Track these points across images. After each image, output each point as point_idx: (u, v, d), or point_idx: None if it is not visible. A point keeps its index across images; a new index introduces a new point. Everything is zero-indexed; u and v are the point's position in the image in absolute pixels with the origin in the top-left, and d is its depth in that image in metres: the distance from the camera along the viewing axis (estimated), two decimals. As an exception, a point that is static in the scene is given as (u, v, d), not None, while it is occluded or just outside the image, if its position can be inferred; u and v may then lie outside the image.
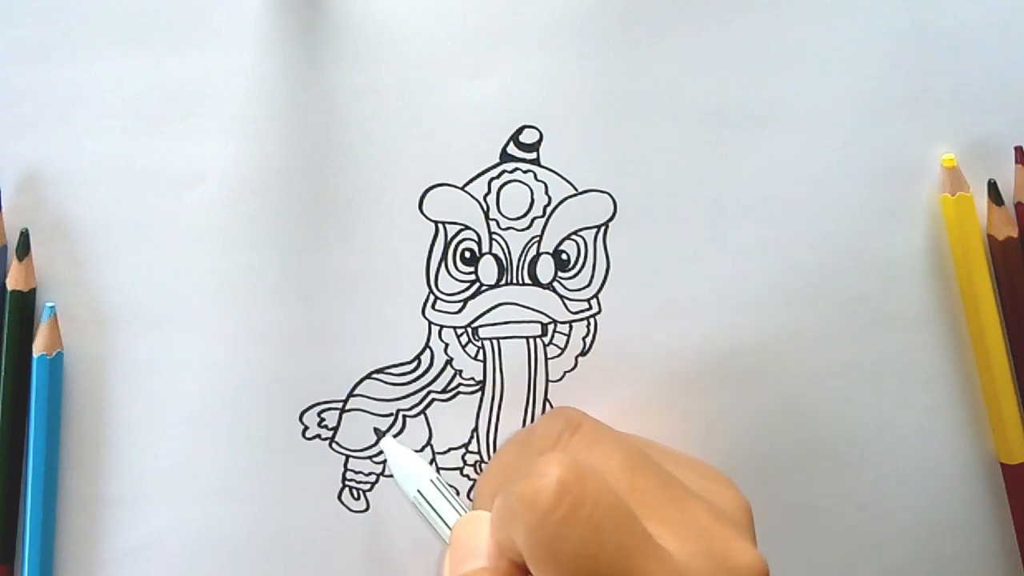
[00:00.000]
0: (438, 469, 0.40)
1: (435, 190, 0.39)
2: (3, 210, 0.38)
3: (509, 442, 0.38)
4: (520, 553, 0.30)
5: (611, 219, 0.40)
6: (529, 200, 0.40)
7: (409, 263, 0.39)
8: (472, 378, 0.40)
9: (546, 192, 0.39)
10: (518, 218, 0.40)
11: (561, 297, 0.40)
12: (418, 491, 0.35)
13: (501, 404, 0.40)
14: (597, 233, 0.40)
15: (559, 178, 0.39)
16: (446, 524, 0.34)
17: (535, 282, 0.40)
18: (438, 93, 0.39)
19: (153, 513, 0.39)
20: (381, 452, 0.40)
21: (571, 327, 0.40)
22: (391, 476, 0.38)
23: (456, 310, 0.40)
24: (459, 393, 0.40)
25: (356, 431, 0.39)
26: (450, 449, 0.40)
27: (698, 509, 0.32)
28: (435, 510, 0.35)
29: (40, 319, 0.38)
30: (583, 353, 0.40)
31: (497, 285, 0.40)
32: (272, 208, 0.39)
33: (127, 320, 0.39)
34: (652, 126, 0.39)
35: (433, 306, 0.39)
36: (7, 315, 0.38)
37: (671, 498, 0.32)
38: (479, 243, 0.39)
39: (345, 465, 0.39)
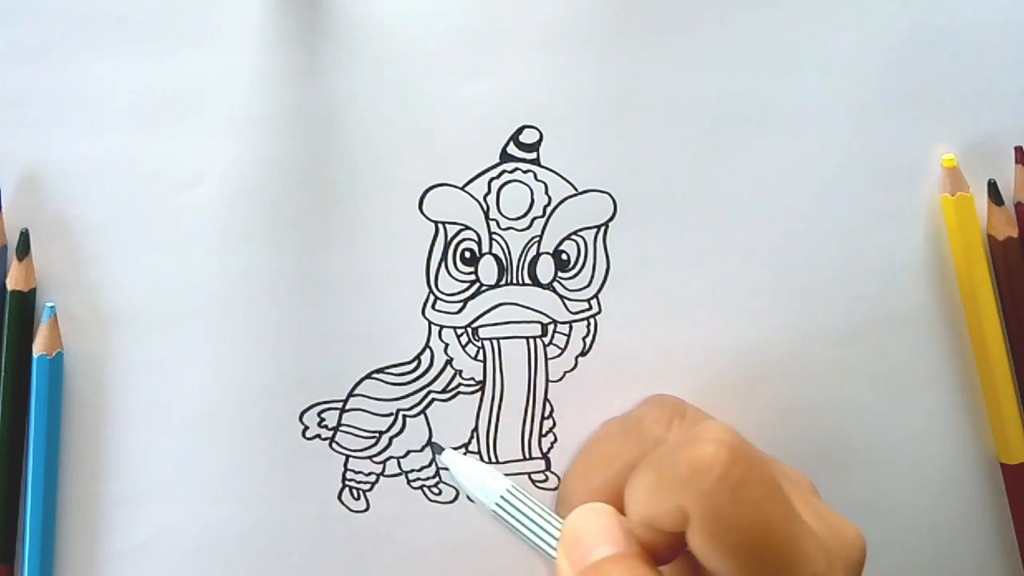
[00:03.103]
0: (438, 470, 0.40)
1: (435, 190, 0.39)
2: (3, 210, 0.38)
3: (602, 437, 0.38)
4: (654, 532, 0.31)
5: (611, 219, 0.40)
6: (529, 200, 0.40)
7: (409, 263, 0.39)
8: (472, 378, 0.40)
9: (546, 192, 0.39)
10: (518, 218, 0.40)
11: (561, 297, 0.40)
12: (497, 503, 0.35)
13: (501, 404, 0.40)
14: (597, 233, 0.40)
15: (559, 178, 0.39)
16: (532, 528, 0.34)
17: (535, 282, 0.40)
18: (438, 93, 0.39)
19: (153, 513, 0.39)
20: (381, 452, 0.40)
21: (571, 327, 0.40)
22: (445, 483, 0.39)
23: (456, 310, 0.40)
24: (459, 393, 0.40)
25: (356, 431, 0.39)
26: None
27: (798, 491, 0.33)
28: (520, 516, 0.35)
29: (40, 319, 0.38)
30: (583, 353, 0.40)
31: (497, 285, 0.40)
32: (272, 208, 0.39)
33: (127, 320, 0.39)
34: (652, 126, 0.39)
35: (433, 306, 0.39)
36: (7, 315, 0.38)
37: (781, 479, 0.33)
38: (479, 243, 0.39)
39: (345, 465, 0.39)
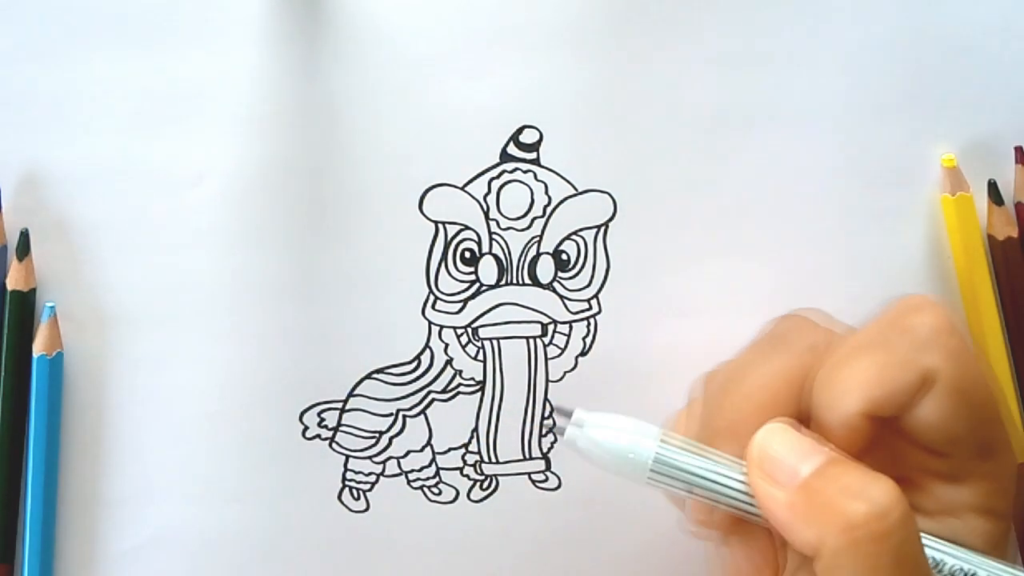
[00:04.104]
0: (438, 470, 0.40)
1: (435, 190, 0.39)
2: (3, 210, 0.38)
3: (752, 361, 0.34)
4: (848, 432, 0.31)
5: (611, 219, 0.40)
6: (529, 200, 0.40)
7: (409, 263, 0.39)
8: (472, 378, 0.40)
9: (546, 192, 0.39)
10: (518, 218, 0.40)
11: (561, 297, 0.40)
12: (652, 472, 0.31)
13: (501, 404, 0.40)
14: (597, 233, 0.40)
15: (559, 178, 0.39)
16: (697, 480, 0.31)
17: (535, 282, 0.40)
18: (438, 93, 0.39)
19: (153, 513, 0.39)
20: (381, 452, 0.40)
21: (571, 327, 0.40)
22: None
23: (456, 310, 0.40)
24: (459, 393, 0.40)
25: (356, 431, 0.39)
26: (450, 449, 0.40)
27: None
28: (678, 472, 0.31)
29: (40, 319, 0.38)
30: (583, 353, 0.40)
31: (497, 285, 0.40)
32: (272, 208, 0.39)
33: (127, 320, 0.39)
34: (652, 126, 0.39)
35: (433, 306, 0.39)
36: (7, 315, 0.38)
37: None
38: (479, 243, 0.39)
39: (345, 465, 0.39)
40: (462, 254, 0.39)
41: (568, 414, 0.31)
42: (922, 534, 0.30)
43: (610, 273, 0.40)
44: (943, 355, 0.30)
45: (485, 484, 0.40)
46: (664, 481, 0.31)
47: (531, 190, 0.39)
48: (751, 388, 0.32)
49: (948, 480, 0.32)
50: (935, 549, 0.31)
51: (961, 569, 0.31)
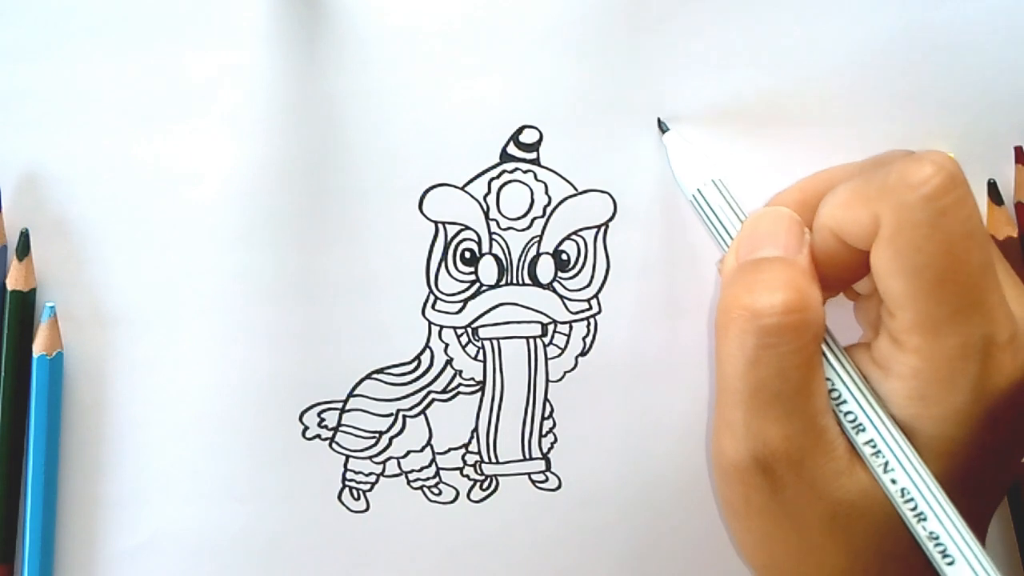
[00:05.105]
0: (438, 470, 0.40)
1: (435, 190, 0.39)
2: (3, 210, 0.38)
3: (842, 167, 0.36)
4: (834, 242, 0.31)
5: (611, 219, 0.40)
6: (529, 200, 0.40)
7: (409, 263, 0.39)
8: (472, 378, 0.40)
9: (546, 192, 0.39)
10: (518, 218, 0.40)
11: (561, 297, 0.40)
12: (698, 190, 0.36)
13: (501, 404, 0.40)
14: (597, 233, 0.40)
15: (559, 178, 0.39)
16: (723, 225, 0.35)
17: (535, 282, 0.40)
18: (438, 93, 0.39)
19: (153, 513, 0.39)
20: (381, 452, 0.40)
21: (571, 327, 0.40)
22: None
23: (456, 310, 0.40)
24: (459, 393, 0.40)
25: (356, 431, 0.39)
26: (450, 449, 0.40)
27: (1005, 263, 0.33)
28: (714, 211, 0.36)
29: (40, 319, 0.38)
30: (583, 353, 0.40)
31: (497, 285, 0.40)
32: (272, 208, 0.39)
33: (127, 320, 0.39)
34: (652, 126, 0.39)
35: (433, 306, 0.39)
36: (7, 315, 0.38)
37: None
38: (479, 243, 0.39)
39: (345, 465, 0.39)
40: (462, 254, 0.39)
41: (665, 130, 0.38)
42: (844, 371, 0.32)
43: (610, 273, 0.40)
44: (892, 207, 0.30)
45: (485, 484, 0.40)
46: (700, 209, 0.36)
47: (531, 190, 0.39)
48: (813, 178, 0.35)
49: (891, 341, 0.31)
50: (843, 381, 0.32)
51: (848, 405, 0.32)
